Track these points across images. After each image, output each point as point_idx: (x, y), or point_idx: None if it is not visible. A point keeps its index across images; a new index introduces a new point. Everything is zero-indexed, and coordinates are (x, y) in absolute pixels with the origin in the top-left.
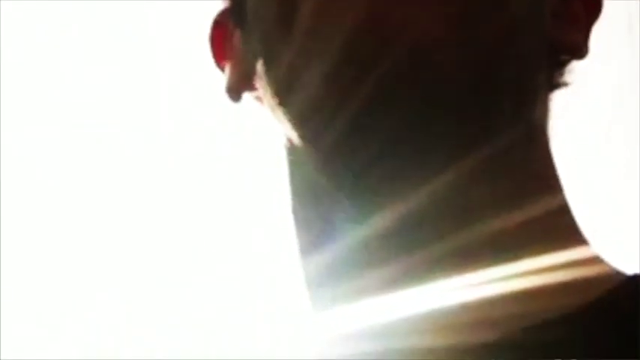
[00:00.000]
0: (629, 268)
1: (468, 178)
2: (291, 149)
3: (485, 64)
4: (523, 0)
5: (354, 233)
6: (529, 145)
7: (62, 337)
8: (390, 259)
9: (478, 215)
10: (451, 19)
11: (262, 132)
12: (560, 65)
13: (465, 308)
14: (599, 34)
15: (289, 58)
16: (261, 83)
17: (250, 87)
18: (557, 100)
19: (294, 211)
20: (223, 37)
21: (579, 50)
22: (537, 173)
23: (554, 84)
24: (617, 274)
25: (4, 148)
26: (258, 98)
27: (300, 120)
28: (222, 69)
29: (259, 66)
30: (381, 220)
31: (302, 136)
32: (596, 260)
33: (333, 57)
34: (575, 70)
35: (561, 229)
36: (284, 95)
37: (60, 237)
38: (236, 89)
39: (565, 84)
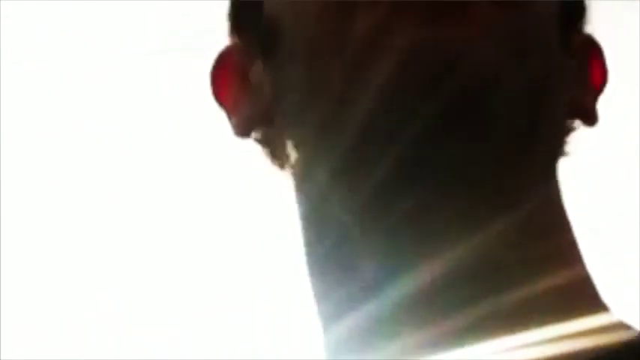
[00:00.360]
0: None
1: (501, 241)
2: (310, 196)
3: (532, 108)
4: (552, 59)
5: (382, 294)
6: (553, 209)
7: (62, 337)
8: (418, 322)
9: (507, 280)
10: (508, 52)
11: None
12: (568, 132)
13: None
14: None
15: (340, 82)
16: (286, 119)
17: (265, 123)
18: None
19: (312, 259)
20: (229, 73)
21: (592, 115)
22: (560, 239)
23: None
24: None
25: (4, 148)
26: (260, 140)
27: (339, 161)
28: (225, 105)
29: (295, 97)
30: (412, 281)
31: (334, 180)
32: (619, 326)
33: (386, 84)
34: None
35: (584, 296)
36: (324, 129)
37: (60, 237)
38: (251, 124)
39: (567, 154)
